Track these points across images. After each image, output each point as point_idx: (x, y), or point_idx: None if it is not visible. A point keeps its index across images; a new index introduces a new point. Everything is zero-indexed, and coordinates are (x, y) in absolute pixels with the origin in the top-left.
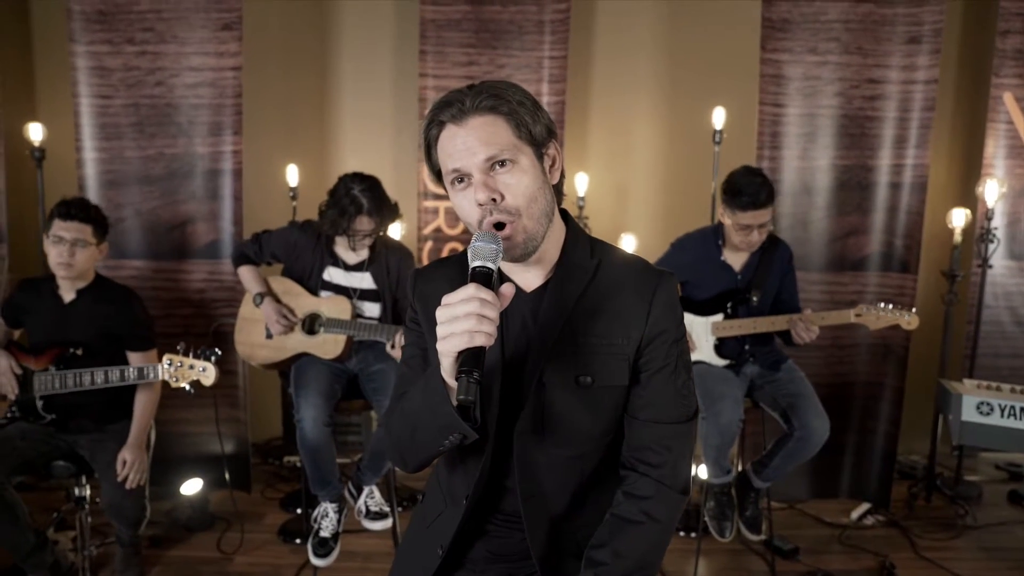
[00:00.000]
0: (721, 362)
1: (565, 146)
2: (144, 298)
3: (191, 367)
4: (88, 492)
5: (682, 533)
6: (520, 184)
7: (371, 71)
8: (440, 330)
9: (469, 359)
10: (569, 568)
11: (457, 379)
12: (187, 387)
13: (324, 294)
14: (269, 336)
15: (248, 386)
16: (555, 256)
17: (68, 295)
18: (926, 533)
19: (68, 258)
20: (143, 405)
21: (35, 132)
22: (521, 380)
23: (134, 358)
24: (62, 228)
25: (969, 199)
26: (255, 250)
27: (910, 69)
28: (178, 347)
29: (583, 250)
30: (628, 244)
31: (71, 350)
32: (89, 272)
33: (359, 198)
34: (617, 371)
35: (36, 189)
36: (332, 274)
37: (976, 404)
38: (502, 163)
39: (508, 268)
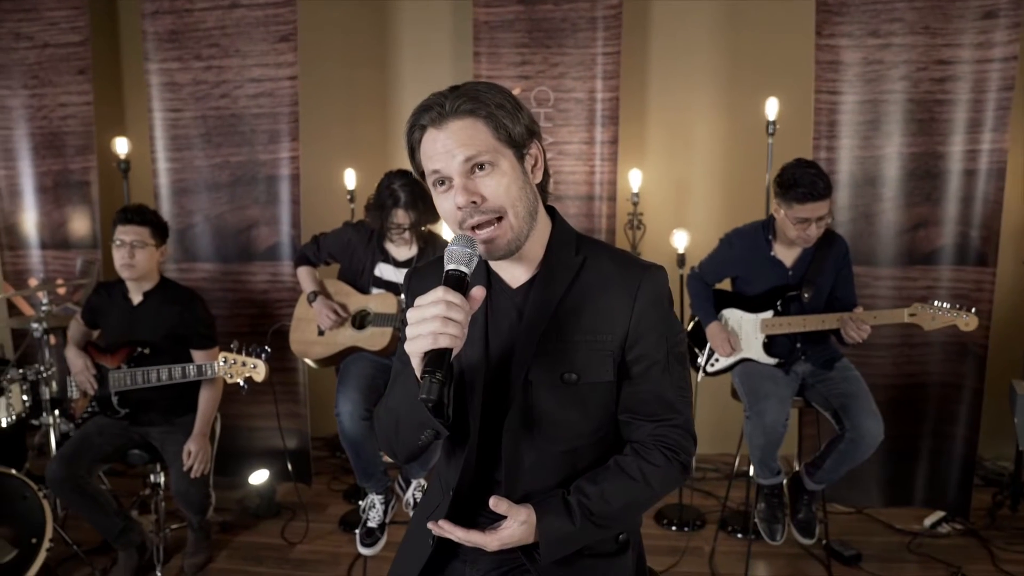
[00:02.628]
0: (770, 360)
1: (620, 143)
2: (213, 299)
3: (244, 364)
4: (163, 479)
5: (739, 535)
6: (500, 186)
7: (430, 73)
8: (408, 331)
9: (433, 360)
10: (558, 561)
11: (421, 379)
12: (241, 383)
13: (375, 290)
14: (321, 333)
15: (308, 382)
16: (540, 254)
17: (136, 297)
18: (1009, 545)
19: (129, 259)
20: (206, 400)
21: (121, 146)
22: (508, 377)
23: (197, 356)
24: (122, 232)
25: None
26: (313, 251)
27: (985, 47)
28: (232, 345)
29: (568, 247)
30: (680, 240)
31: (140, 349)
32: (153, 273)
33: (397, 192)
34: (601, 367)
35: (123, 199)
36: (383, 270)
37: None
38: (481, 166)
39: (495, 264)
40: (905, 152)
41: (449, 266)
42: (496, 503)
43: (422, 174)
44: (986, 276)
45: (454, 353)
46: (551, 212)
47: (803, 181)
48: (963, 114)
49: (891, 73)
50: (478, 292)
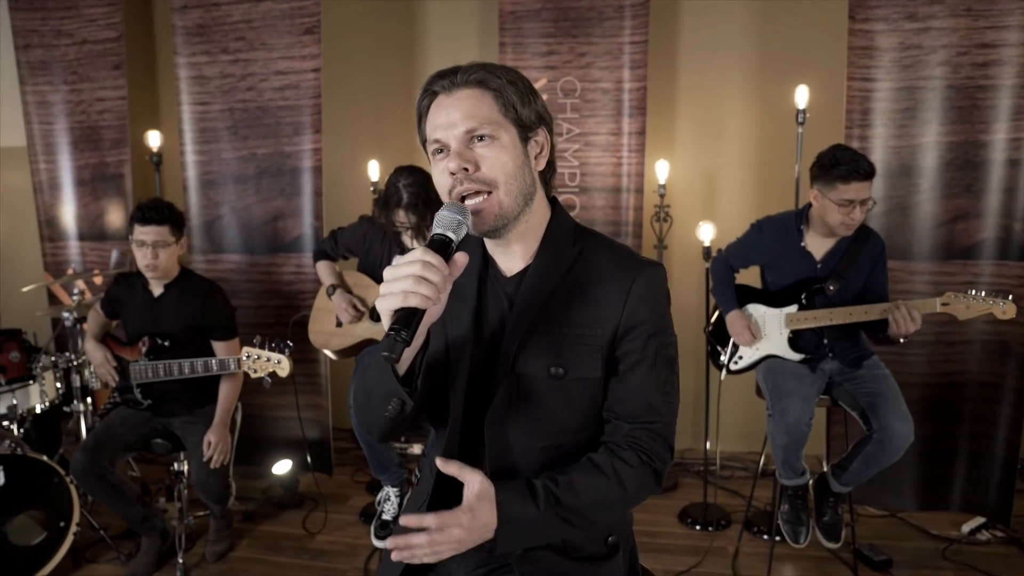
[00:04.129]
0: (796, 356)
1: (648, 134)
2: (239, 290)
3: (267, 359)
4: (186, 467)
5: (765, 536)
6: (498, 159)
7: (456, 64)
8: (382, 288)
9: (401, 319)
10: (542, 558)
11: (385, 337)
12: (266, 377)
13: None
14: (339, 324)
15: (330, 373)
16: (537, 243)
17: (157, 290)
18: None
19: (152, 260)
20: (226, 391)
21: (154, 139)
22: (495, 365)
23: (218, 347)
24: (142, 232)
25: None
26: (331, 246)
27: None
28: (255, 340)
29: (566, 239)
30: (706, 233)
31: (160, 341)
32: (174, 268)
33: (401, 192)
34: (590, 363)
35: (155, 191)
36: None
37: None
38: (481, 137)
39: (493, 251)
40: (943, 141)
41: (436, 230)
42: (444, 464)
43: (424, 142)
44: None
45: (431, 319)
46: (553, 204)
47: (846, 159)
48: (1007, 100)
49: (929, 58)
50: (460, 258)
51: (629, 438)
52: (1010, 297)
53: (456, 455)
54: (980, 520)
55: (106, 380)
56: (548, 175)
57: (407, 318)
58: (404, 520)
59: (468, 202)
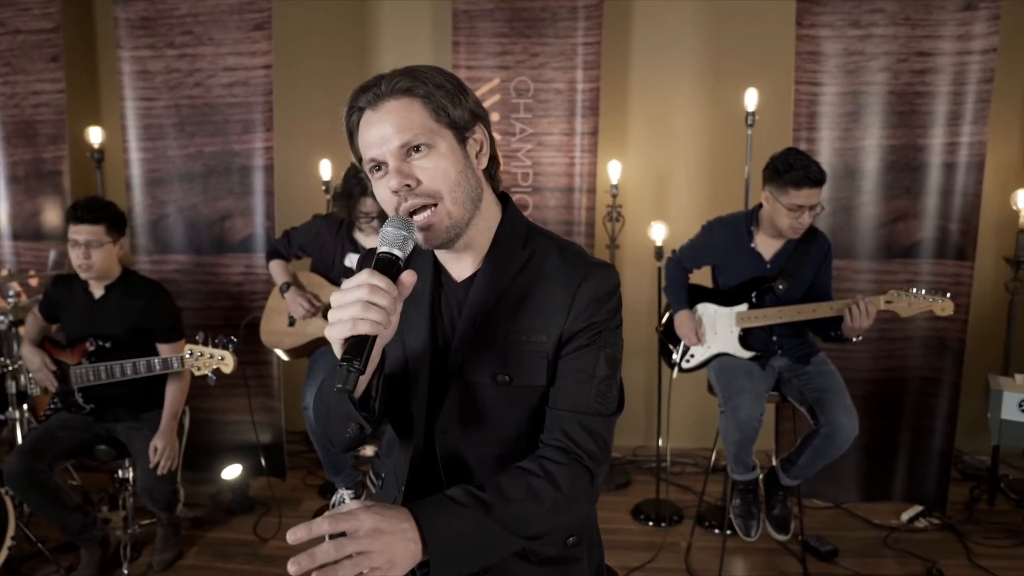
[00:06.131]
0: (746, 354)
1: (601, 134)
2: (186, 291)
3: (211, 356)
4: (131, 474)
5: (716, 531)
6: (438, 168)
7: (410, 64)
8: (330, 315)
9: (351, 348)
10: (510, 567)
11: (338, 367)
12: (209, 375)
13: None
14: (292, 324)
15: (282, 375)
16: (487, 245)
17: (98, 291)
18: (984, 539)
19: (85, 260)
20: (172, 395)
21: (95, 135)
22: (445, 374)
23: (163, 349)
24: (75, 232)
25: None
26: (284, 245)
27: (965, 39)
28: (197, 337)
29: (516, 240)
30: (658, 233)
31: (101, 343)
32: (113, 268)
33: (364, 180)
34: (535, 370)
35: (96, 189)
36: (353, 260)
37: (1018, 401)
38: (417, 148)
39: (442, 258)
40: (885, 144)
41: (381, 248)
42: (294, 534)
43: (360, 160)
44: (965, 270)
45: (384, 341)
46: (504, 200)
47: (798, 165)
48: (943, 106)
49: (871, 64)
50: (408, 277)
51: (561, 434)
52: (948, 295)
53: (420, 467)
54: (918, 508)
55: (45, 385)
56: (493, 170)
57: (358, 347)
58: (292, 535)
59: (416, 217)
